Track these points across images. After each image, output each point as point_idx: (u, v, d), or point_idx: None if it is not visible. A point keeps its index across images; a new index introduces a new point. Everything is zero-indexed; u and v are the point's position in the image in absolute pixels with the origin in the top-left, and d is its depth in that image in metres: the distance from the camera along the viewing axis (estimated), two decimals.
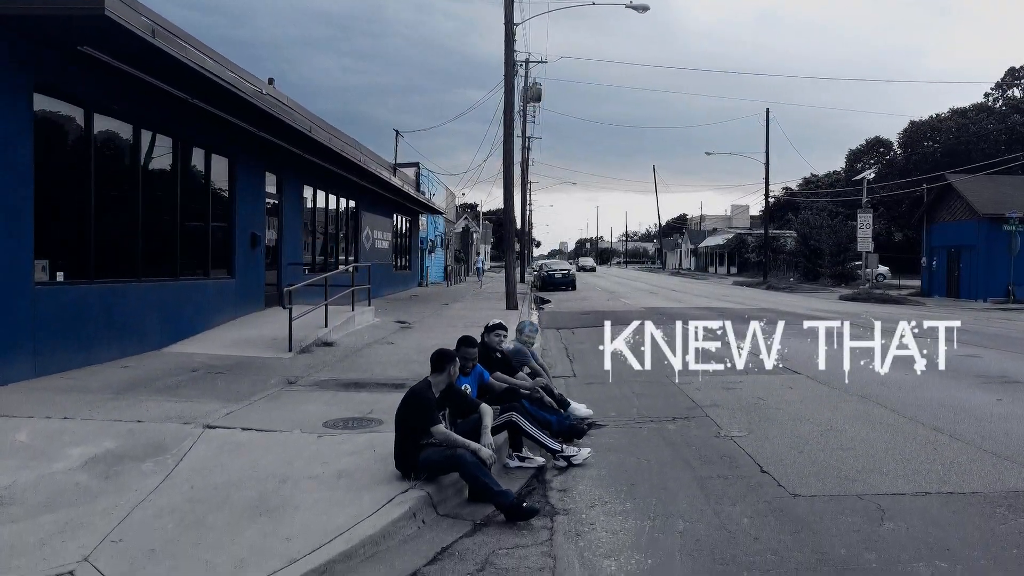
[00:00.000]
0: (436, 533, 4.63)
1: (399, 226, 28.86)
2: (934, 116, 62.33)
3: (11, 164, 7.86)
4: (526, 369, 7.58)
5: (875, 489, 5.24)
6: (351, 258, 20.82)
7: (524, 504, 4.84)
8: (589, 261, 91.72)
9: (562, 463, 5.96)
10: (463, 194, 56.89)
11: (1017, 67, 61.15)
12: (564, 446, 6.06)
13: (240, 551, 4.14)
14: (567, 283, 36.05)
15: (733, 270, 66.22)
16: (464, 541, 4.50)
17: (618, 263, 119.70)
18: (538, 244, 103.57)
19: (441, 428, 5.14)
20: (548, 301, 27.32)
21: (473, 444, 5.04)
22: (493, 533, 4.61)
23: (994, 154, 44.21)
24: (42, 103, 8.47)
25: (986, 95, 62.40)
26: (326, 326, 12.31)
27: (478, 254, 50.34)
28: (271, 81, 14.97)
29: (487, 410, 5.44)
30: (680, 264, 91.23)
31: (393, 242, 27.50)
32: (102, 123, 9.64)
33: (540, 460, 6.01)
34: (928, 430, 6.98)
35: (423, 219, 33.36)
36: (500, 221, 42.96)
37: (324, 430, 6.46)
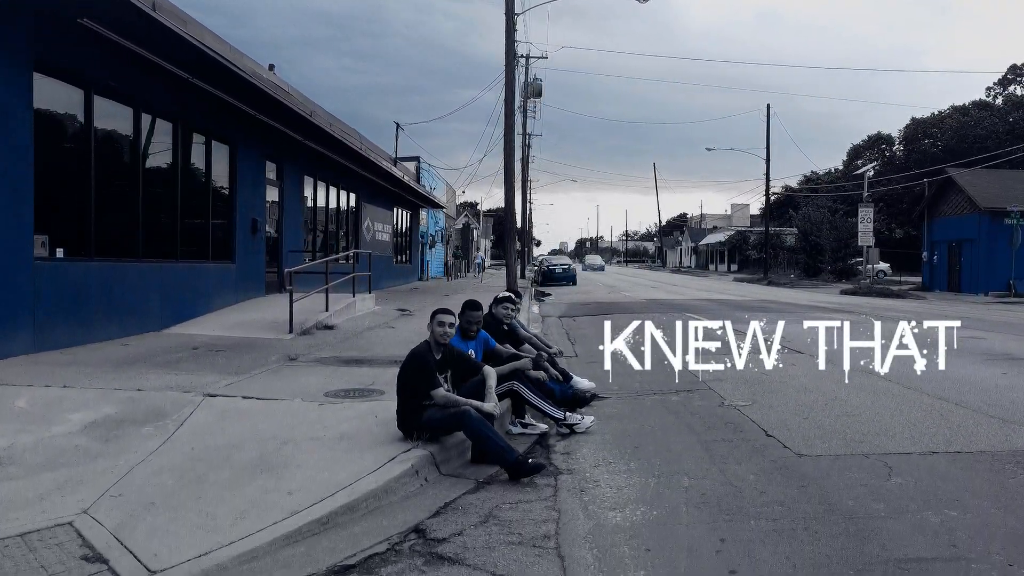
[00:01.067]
0: (439, 490, 4.59)
1: (399, 220, 28.82)
2: (935, 113, 62.29)
3: (11, 138, 7.82)
4: (525, 346, 7.53)
5: (882, 449, 5.20)
6: (352, 249, 20.78)
7: (529, 460, 4.80)
8: (597, 259, 77.38)
9: (565, 430, 5.90)
10: (463, 192, 56.88)
11: (1019, 64, 61.07)
12: (567, 413, 6.00)
13: (241, 504, 4.10)
14: (567, 278, 36.02)
15: (734, 267, 66.18)
16: (467, 497, 4.46)
17: (618, 262, 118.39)
18: (538, 243, 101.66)
19: (442, 391, 5.08)
20: (549, 294, 27.30)
21: (475, 402, 5.00)
22: (497, 490, 4.57)
23: (995, 150, 44.14)
24: (41, 81, 8.42)
25: (988, 89, 62.31)
26: (327, 310, 12.26)
27: (478, 250, 50.28)
28: (271, 67, 14.94)
29: (490, 371, 5.39)
30: (680, 262, 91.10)
31: (393, 236, 27.46)
32: (102, 105, 9.60)
33: (543, 427, 5.96)
34: (933, 399, 6.94)
35: (423, 214, 33.31)
36: (500, 219, 42.92)
37: (325, 399, 6.41)
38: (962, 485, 4.46)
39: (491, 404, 5.04)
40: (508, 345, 6.94)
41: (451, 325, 5.30)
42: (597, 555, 3.55)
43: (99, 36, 8.52)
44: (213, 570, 3.47)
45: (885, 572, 3.25)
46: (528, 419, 6.00)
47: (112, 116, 9.99)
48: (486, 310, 7.14)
